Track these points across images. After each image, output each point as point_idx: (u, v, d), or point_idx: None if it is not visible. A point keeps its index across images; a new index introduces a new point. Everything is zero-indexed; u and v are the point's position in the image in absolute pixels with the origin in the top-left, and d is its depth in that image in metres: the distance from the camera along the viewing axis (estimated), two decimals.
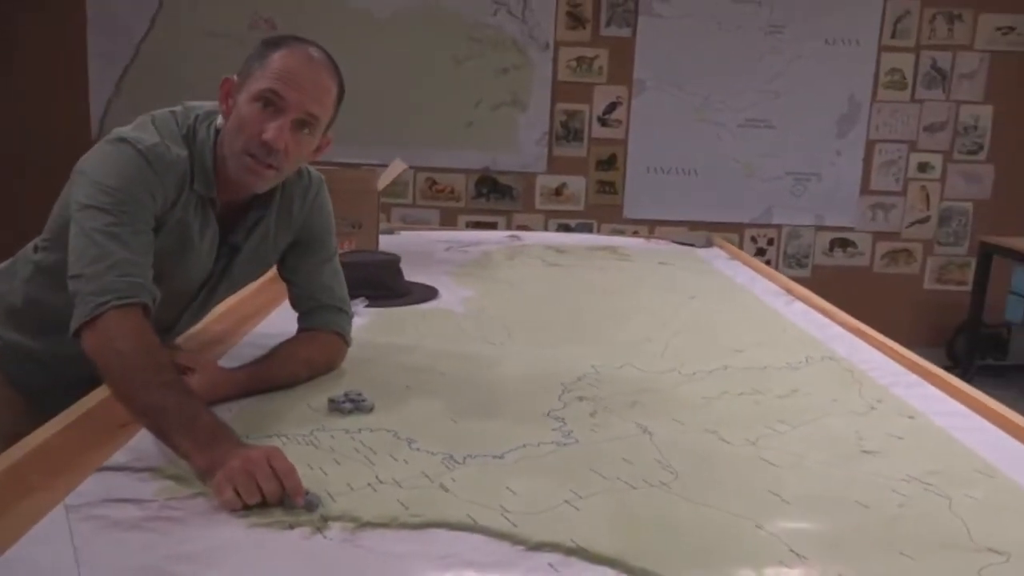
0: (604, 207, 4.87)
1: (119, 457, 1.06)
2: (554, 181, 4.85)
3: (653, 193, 4.86)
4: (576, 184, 4.86)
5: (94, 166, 1.22)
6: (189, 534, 0.89)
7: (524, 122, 4.76)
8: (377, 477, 1.04)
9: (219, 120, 1.29)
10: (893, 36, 4.67)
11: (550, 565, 0.87)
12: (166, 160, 1.23)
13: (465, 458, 1.11)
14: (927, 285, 4.99)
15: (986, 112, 4.77)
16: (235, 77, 1.27)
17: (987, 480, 1.10)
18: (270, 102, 1.21)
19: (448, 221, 4.77)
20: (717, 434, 1.22)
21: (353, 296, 1.84)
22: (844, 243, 4.93)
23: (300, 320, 1.46)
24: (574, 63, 4.70)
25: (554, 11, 4.63)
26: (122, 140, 1.23)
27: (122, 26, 4.57)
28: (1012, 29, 4.65)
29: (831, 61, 4.70)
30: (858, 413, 1.34)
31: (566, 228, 4.73)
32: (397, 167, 2.42)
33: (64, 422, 1.16)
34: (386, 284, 1.96)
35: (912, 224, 4.92)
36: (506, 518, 0.95)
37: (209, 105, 1.33)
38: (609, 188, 4.87)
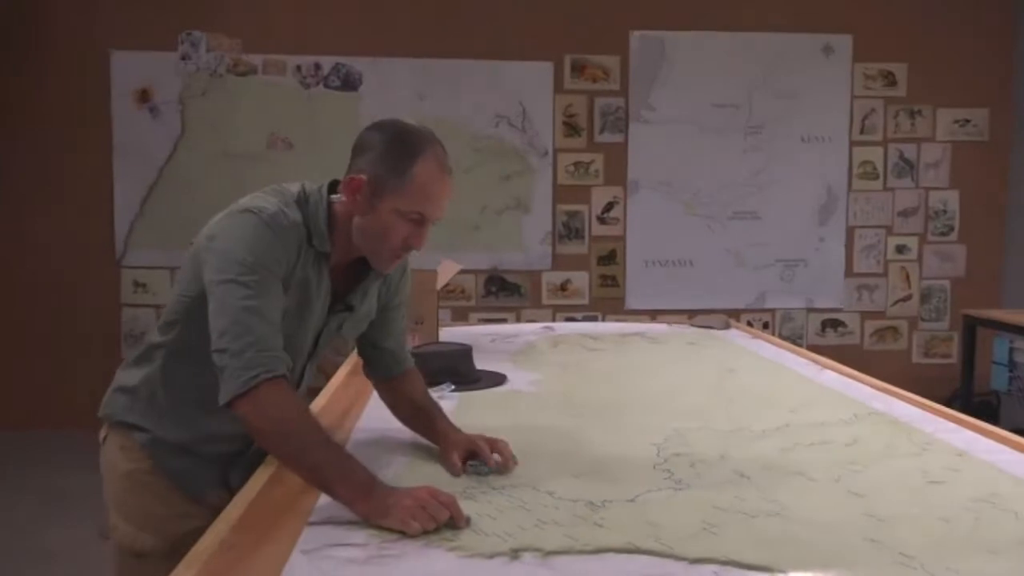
0: (607, 299, 5.15)
1: (320, 514, 1.24)
2: (559, 277, 5.13)
3: (652, 284, 5.16)
4: (580, 279, 5.14)
5: (226, 240, 1.37)
6: (413, 565, 1.08)
7: (528, 223, 5.08)
8: (540, 519, 1.24)
9: (331, 195, 1.47)
10: (862, 132, 5.12)
11: (713, 573, 1.06)
12: (286, 225, 1.39)
13: (604, 502, 1.30)
14: (915, 359, 5.29)
15: (953, 196, 5.19)
16: (363, 176, 1.39)
17: None
18: (417, 222, 1.42)
19: (459, 319, 5.00)
20: (804, 475, 1.44)
21: (439, 382, 2.07)
22: (835, 323, 5.24)
23: (394, 368, 1.71)
24: (572, 167, 5.07)
25: (551, 121, 5.02)
26: (246, 211, 1.38)
27: (146, 151, 4.86)
28: (968, 121, 5.12)
29: (807, 156, 5.11)
30: (914, 454, 1.56)
31: (572, 321, 4.98)
32: (452, 267, 2.66)
33: (254, 490, 1.34)
34: (462, 372, 2.17)
35: (896, 303, 5.26)
36: (661, 543, 1.15)
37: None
38: (611, 281, 5.16)
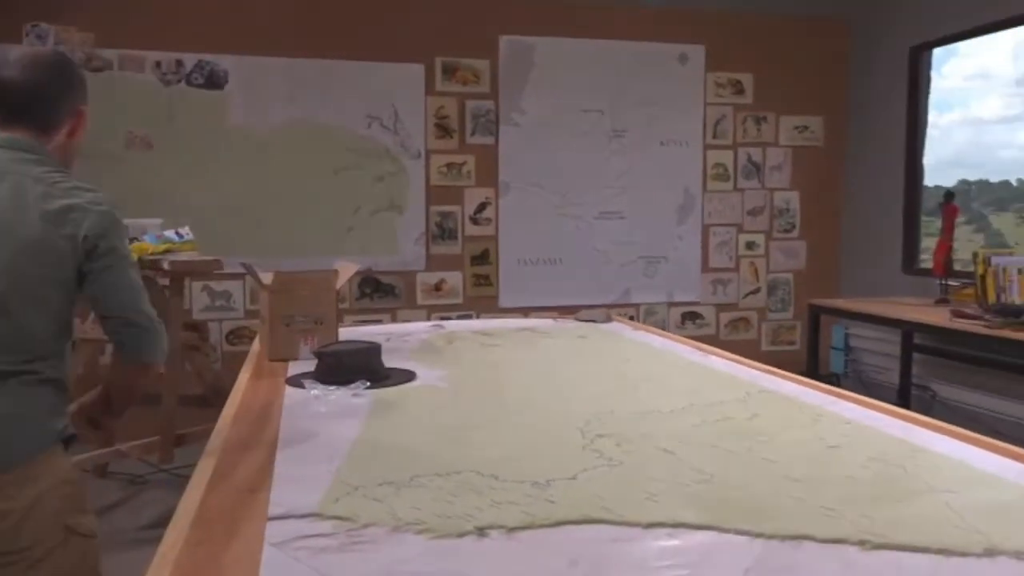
0: (481, 298, 5.24)
1: (276, 510, 1.25)
2: (433, 278, 5.18)
3: (524, 283, 5.30)
4: (454, 279, 5.21)
5: (118, 235, 1.60)
6: (390, 549, 1.11)
7: (402, 224, 5.10)
8: (493, 500, 1.30)
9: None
10: (714, 136, 5.47)
11: (668, 534, 1.16)
12: None
13: (548, 481, 1.38)
14: (764, 347, 5.70)
15: (794, 197, 5.64)
16: (85, 107, 1.68)
17: (922, 453, 1.52)
18: None
19: None
20: (720, 447, 1.57)
21: (349, 380, 2.09)
22: (693, 316, 5.57)
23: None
24: (445, 168, 5.12)
25: (423, 123, 5.05)
26: (110, 205, 1.59)
27: None
28: (806, 128, 5.59)
29: (667, 159, 5.41)
30: (809, 425, 1.73)
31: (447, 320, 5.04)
32: (350, 268, 2.66)
33: (201, 486, 1.33)
34: (373, 369, 2.19)
35: (747, 295, 5.65)
36: (611, 513, 1.24)
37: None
38: (484, 281, 5.26)
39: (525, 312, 5.09)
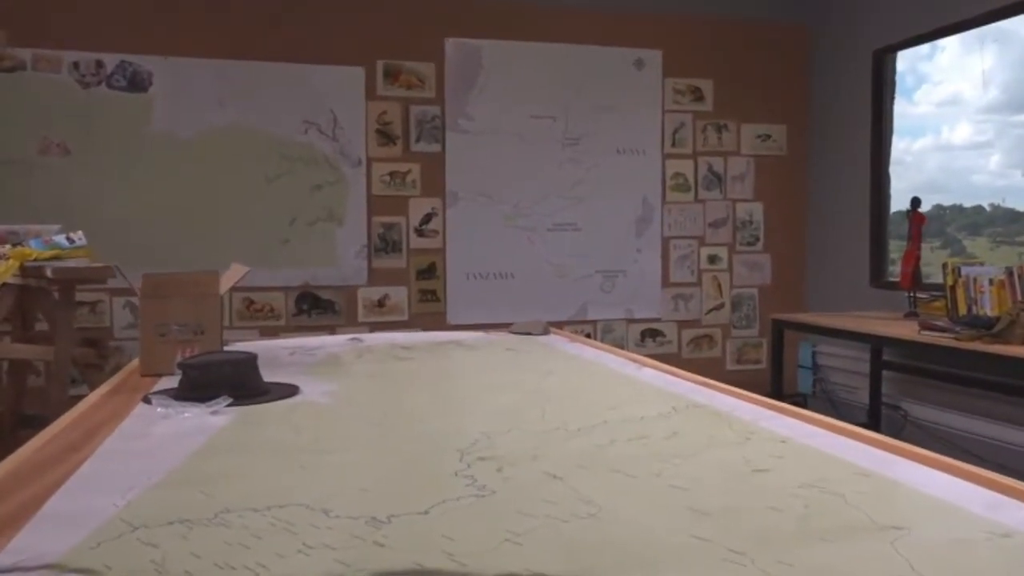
0: (427, 315, 4.94)
1: (4, 559, 0.94)
2: (376, 293, 4.87)
3: (474, 298, 5.00)
4: (398, 294, 4.90)
5: None
6: None
7: (342, 236, 4.79)
8: (305, 543, 0.99)
9: None
10: (673, 145, 5.22)
11: None
12: None
13: (390, 518, 1.08)
14: (729, 367, 5.43)
15: (758, 208, 5.39)
16: None
17: (866, 478, 1.22)
18: None
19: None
20: (622, 472, 1.27)
21: (214, 396, 1.78)
22: (653, 333, 5.29)
23: None
24: (387, 177, 4.84)
25: (364, 129, 4.77)
26: None
27: None
28: (769, 136, 5.35)
29: (624, 168, 5.16)
30: (736, 444, 1.44)
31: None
32: (238, 271, 2.35)
33: None
34: (246, 383, 1.88)
35: (710, 311, 5.38)
36: (453, 560, 0.94)
37: None
38: (431, 296, 4.96)
39: (487, 330, 4.79)
